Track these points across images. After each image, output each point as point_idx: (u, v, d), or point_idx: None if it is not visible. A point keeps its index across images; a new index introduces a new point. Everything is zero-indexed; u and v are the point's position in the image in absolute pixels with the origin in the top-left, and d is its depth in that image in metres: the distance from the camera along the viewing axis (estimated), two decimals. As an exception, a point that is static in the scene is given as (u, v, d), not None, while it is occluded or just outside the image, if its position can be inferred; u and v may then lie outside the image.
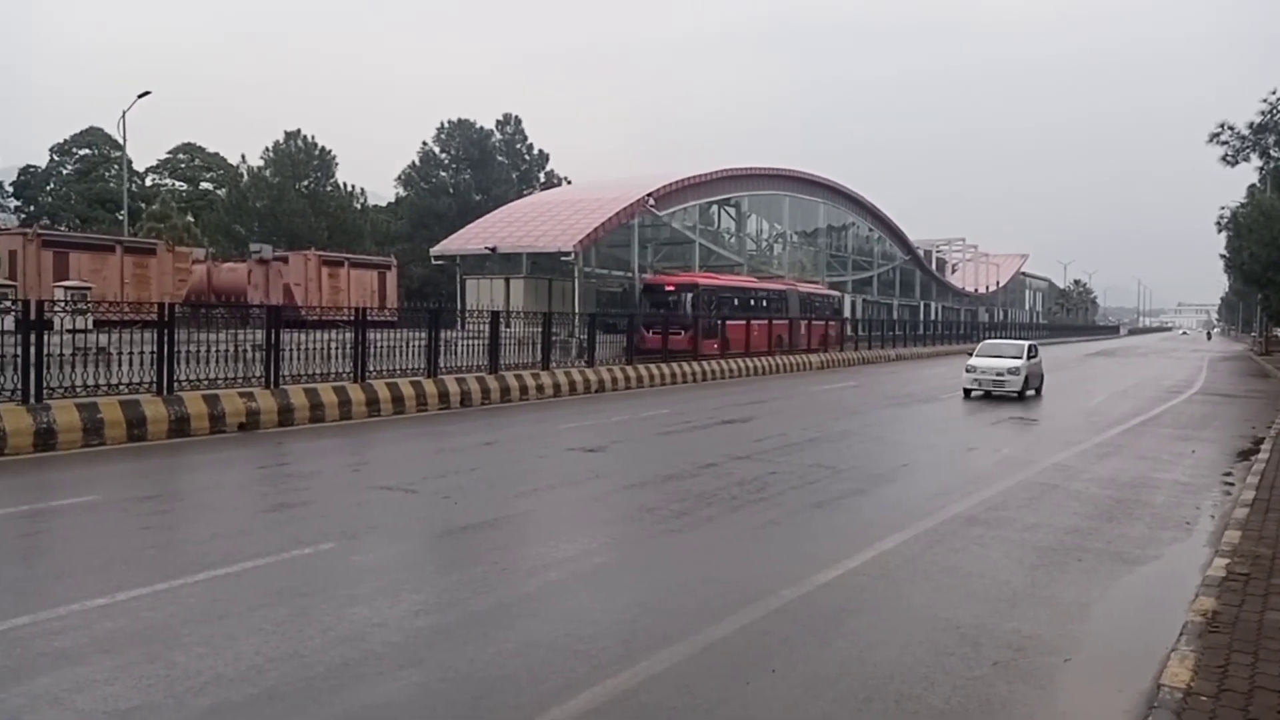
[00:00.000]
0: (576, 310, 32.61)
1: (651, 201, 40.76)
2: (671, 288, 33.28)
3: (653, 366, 25.19)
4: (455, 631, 5.60)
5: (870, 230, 63.52)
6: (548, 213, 41.67)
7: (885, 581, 6.91)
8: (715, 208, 49.04)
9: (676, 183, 43.18)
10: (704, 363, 28.36)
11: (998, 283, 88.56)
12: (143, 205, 59.99)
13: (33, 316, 12.20)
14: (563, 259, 37.44)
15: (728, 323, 31.84)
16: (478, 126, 71.69)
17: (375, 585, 6.44)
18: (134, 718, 4.30)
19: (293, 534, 7.89)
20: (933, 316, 68.26)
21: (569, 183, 67.51)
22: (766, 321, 34.83)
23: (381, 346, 17.67)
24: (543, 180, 72.80)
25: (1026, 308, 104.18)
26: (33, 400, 11.88)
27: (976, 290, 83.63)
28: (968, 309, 79.54)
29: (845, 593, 6.61)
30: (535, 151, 74.88)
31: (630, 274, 40.30)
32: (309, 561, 7.04)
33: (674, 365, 26.24)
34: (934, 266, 74.69)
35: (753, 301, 36.20)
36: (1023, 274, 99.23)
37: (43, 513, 8.64)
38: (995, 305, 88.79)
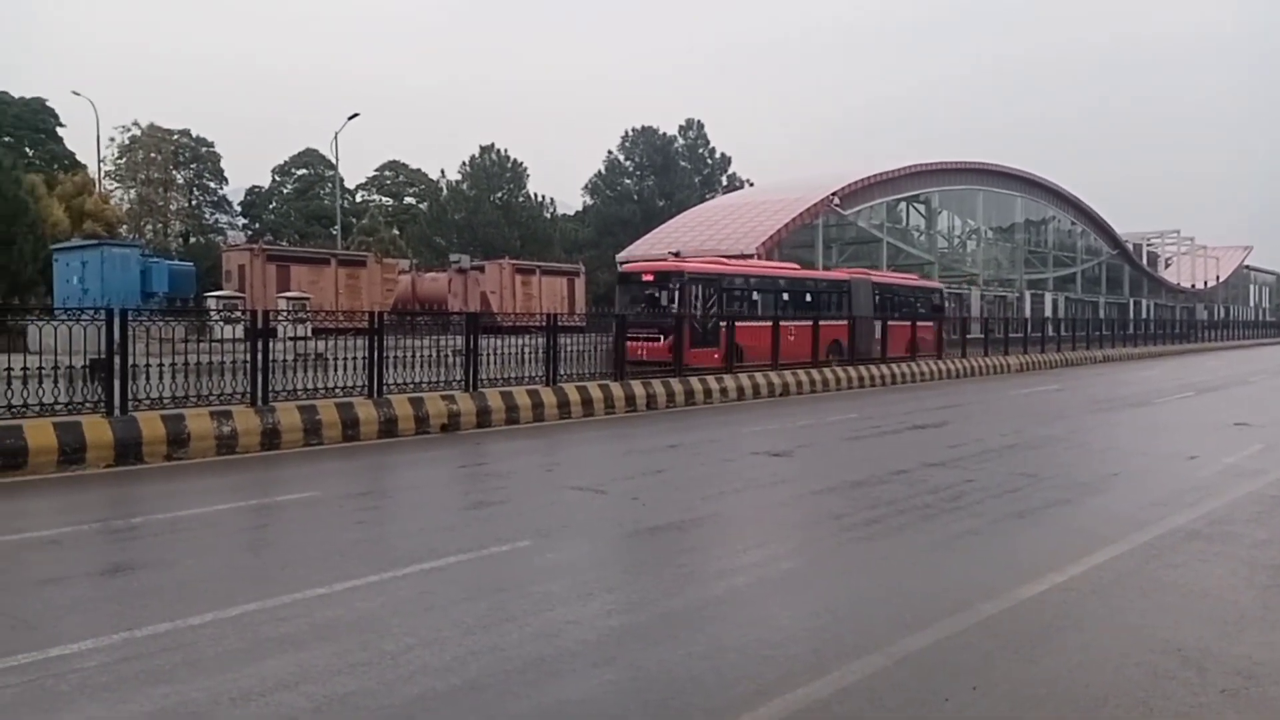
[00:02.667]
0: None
1: (836, 200, 40.09)
2: (650, 277, 24.32)
3: (839, 369, 24.71)
4: (646, 632, 5.67)
5: (1072, 224, 59.96)
6: (730, 216, 41.70)
7: (1096, 597, 6.49)
8: (904, 205, 47.65)
9: (862, 180, 42.27)
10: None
11: (1217, 277, 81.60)
12: (353, 220, 64.30)
13: (260, 325, 13.29)
14: (746, 261, 37.26)
15: (740, 324, 23.26)
16: (661, 133, 72.60)
17: (568, 583, 6.62)
18: (350, 702, 4.59)
19: (491, 531, 8.23)
20: (1144, 315, 63.66)
21: (751, 185, 67.25)
22: (810, 323, 25.55)
23: (571, 350, 18.18)
24: (725, 184, 72.90)
25: (1251, 304, 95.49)
26: (260, 403, 12.92)
27: (1193, 286, 77.37)
28: (1183, 306, 73.69)
29: (1052, 608, 6.25)
30: (718, 155, 75.11)
31: (815, 276, 39.68)
32: (506, 558, 7.31)
33: (861, 368, 25.62)
34: (1144, 261, 69.67)
35: (788, 296, 27.36)
36: (1246, 267, 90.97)
37: (269, 507, 9.38)
38: (1215, 302, 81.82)
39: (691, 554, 7.72)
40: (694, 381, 19.92)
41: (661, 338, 21.95)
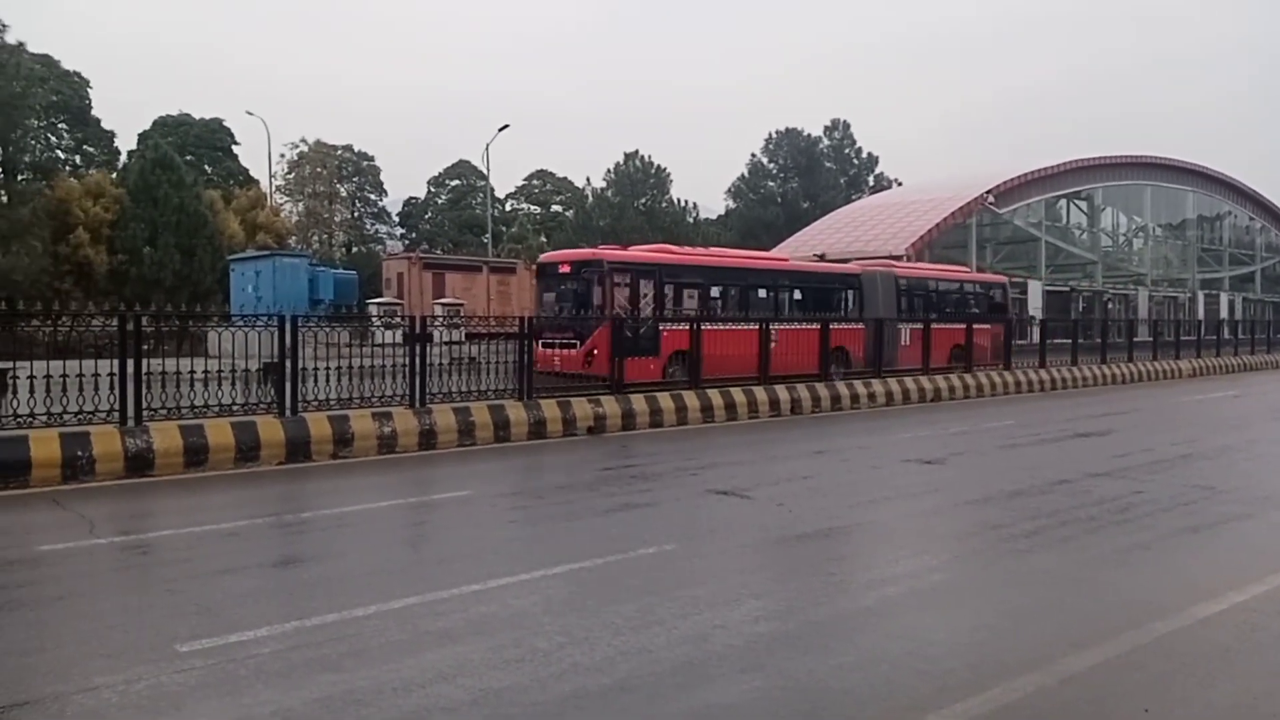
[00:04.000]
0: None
1: (991, 198, 38.70)
2: (567, 268, 19.94)
3: (993, 374, 23.78)
4: (794, 640, 5.60)
5: (1250, 219, 55.95)
6: (877, 216, 40.85)
7: (1284, 621, 6.02)
8: (1064, 202, 45.54)
9: (1018, 177, 40.68)
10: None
11: None
12: (503, 228, 66.20)
13: (417, 331, 13.84)
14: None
15: (696, 328, 17.82)
16: (805, 134, 71.79)
17: (715, 588, 6.60)
18: (505, 697, 4.71)
19: (638, 533, 8.30)
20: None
21: (899, 184, 65.67)
22: (795, 328, 20.46)
23: (718, 355, 18.16)
24: (872, 184, 71.47)
25: None
26: (417, 404, 13.45)
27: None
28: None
29: (1231, 629, 5.83)
30: (864, 155, 73.72)
31: (967, 277, 38.31)
32: (653, 561, 7.36)
33: (1019, 373, 24.56)
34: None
35: (767, 294, 22.17)
36: None
37: (426, 505, 9.74)
38: None
39: (840, 562, 7.58)
40: (839, 386, 19.54)
41: (578, 343, 17.93)
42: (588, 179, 73.98)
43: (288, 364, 12.37)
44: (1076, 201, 46.20)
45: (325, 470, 11.70)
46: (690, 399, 16.54)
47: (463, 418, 13.54)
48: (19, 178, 45.37)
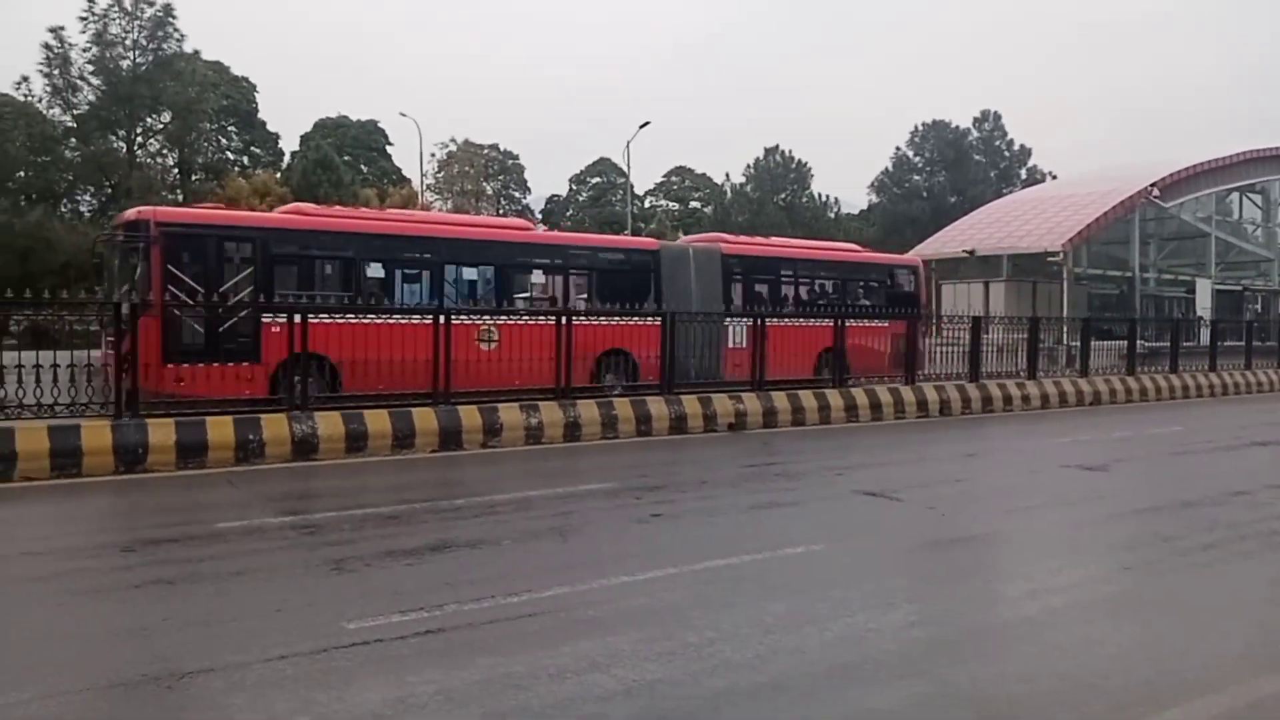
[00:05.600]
0: (1065, 315, 30.21)
1: (1155, 192, 36.59)
2: (121, 235, 14.02)
3: (1159, 377, 22.44)
4: (953, 647, 5.42)
5: None
6: (1030, 211, 39.21)
7: None
8: (1235, 195, 42.66)
9: (1185, 170, 38.33)
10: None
11: None
12: (642, 225, 66.62)
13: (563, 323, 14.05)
14: (1048, 259, 34.97)
15: (327, 321, 13.04)
16: (953, 126, 69.70)
17: (867, 590, 6.45)
18: (658, 690, 4.72)
19: (784, 532, 8.20)
20: None
21: (1053, 178, 62.85)
22: (519, 323, 15.16)
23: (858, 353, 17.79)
24: (1024, 177, 68.76)
25: None
26: (562, 398, 13.69)
27: None
28: None
29: None
30: (1016, 147, 71.04)
31: (1129, 273, 36.51)
32: (801, 560, 7.26)
33: (1187, 376, 23.11)
34: None
35: (478, 275, 16.38)
36: None
37: (573, 495, 9.88)
38: None
39: (999, 569, 7.30)
40: (991, 387, 18.82)
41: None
42: (727, 175, 73.69)
43: (441, 355, 12.76)
44: (1250, 195, 43.16)
45: (475, 459, 12.04)
46: (835, 398, 16.25)
47: (605, 411, 13.70)
48: (193, 178, 48.58)
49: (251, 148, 58.55)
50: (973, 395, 18.30)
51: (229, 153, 56.80)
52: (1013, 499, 9.92)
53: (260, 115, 58.20)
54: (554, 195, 79.99)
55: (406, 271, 15.71)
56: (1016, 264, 37.91)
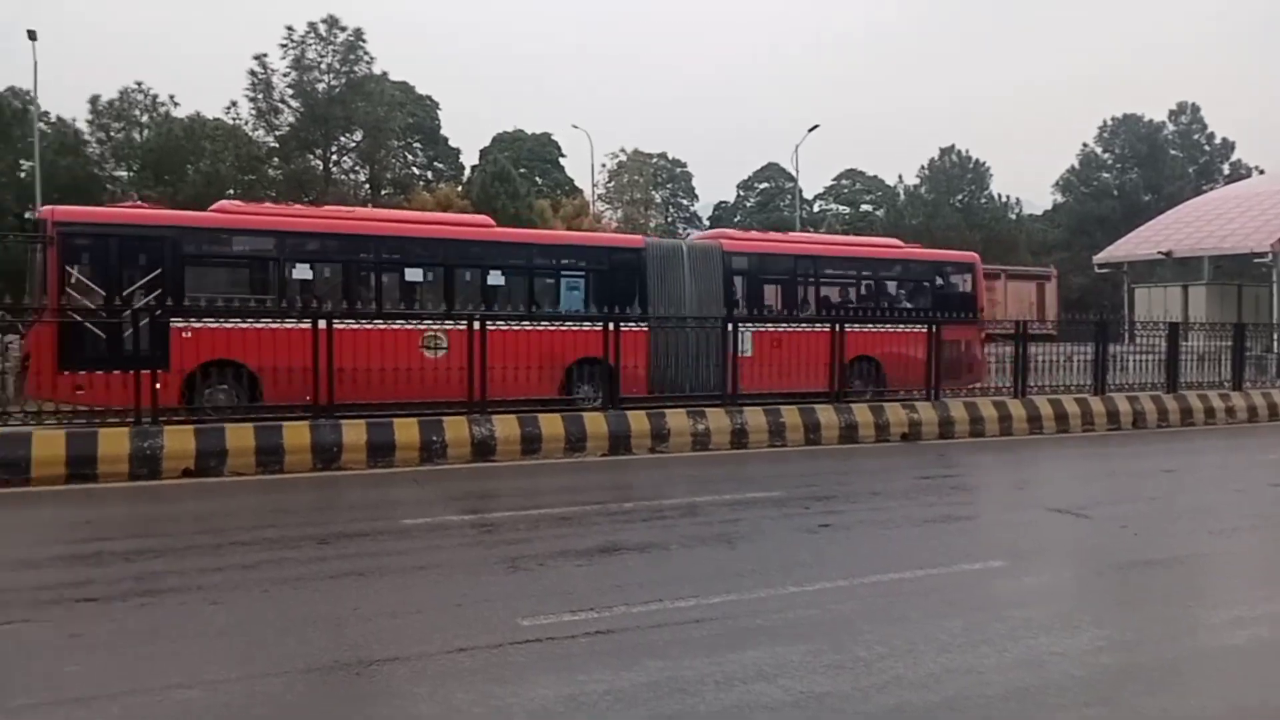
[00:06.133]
0: (1276, 321, 27.82)
1: (1384, 186, 33.24)
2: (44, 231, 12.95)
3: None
4: (1145, 675, 5.08)
5: None
6: (1234, 208, 36.32)
7: None
8: None
9: None
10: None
11: None
12: (810, 229, 65.83)
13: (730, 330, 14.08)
14: (1256, 261, 32.27)
15: (242, 326, 12.65)
16: (1146, 120, 65.40)
17: (1049, 611, 6.14)
18: (826, 702, 4.65)
19: (959, 547, 7.92)
20: None
21: (1260, 172, 57.94)
22: (468, 329, 12.45)
23: (1041, 361, 16.95)
24: (1226, 173, 63.78)
25: None
26: (728, 404, 13.69)
27: None
28: None
29: None
30: (1217, 140, 65.89)
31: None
32: (978, 577, 6.98)
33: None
34: None
35: (433, 275, 15.10)
36: None
37: (740, 503, 9.87)
38: None
39: (1197, 595, 6.80)
40: (1191, 399, 17.53)
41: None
42: (899, 176, 71.80)
43: (610, 361, 13.03)
44: None
45: (643, 464, 12.20)
46: (1017, 408, 15.55)
47: (773, 418, 13.61)
48: (382, 192, 51.47)
49: (435, 163, 61.49)
50: (1170, 407, 17.11)
51: (414, 168, 59.84)
52: (1214, 518, 9.21)
53: (443, 132, 61.05)
54: (721, 202, 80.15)
55: (343, 273, 14.71)
56: (1219, 266, 35.24)
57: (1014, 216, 63.40)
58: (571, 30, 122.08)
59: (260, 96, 46.88)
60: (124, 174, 46.20)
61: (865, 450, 13.68)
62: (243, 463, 10.58)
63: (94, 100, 46.05)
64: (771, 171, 76.58)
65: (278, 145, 47.77)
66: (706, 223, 78.15)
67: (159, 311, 11.84)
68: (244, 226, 14.18)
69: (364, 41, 47.26)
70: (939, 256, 20.45)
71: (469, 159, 62.01)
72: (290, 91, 46.89)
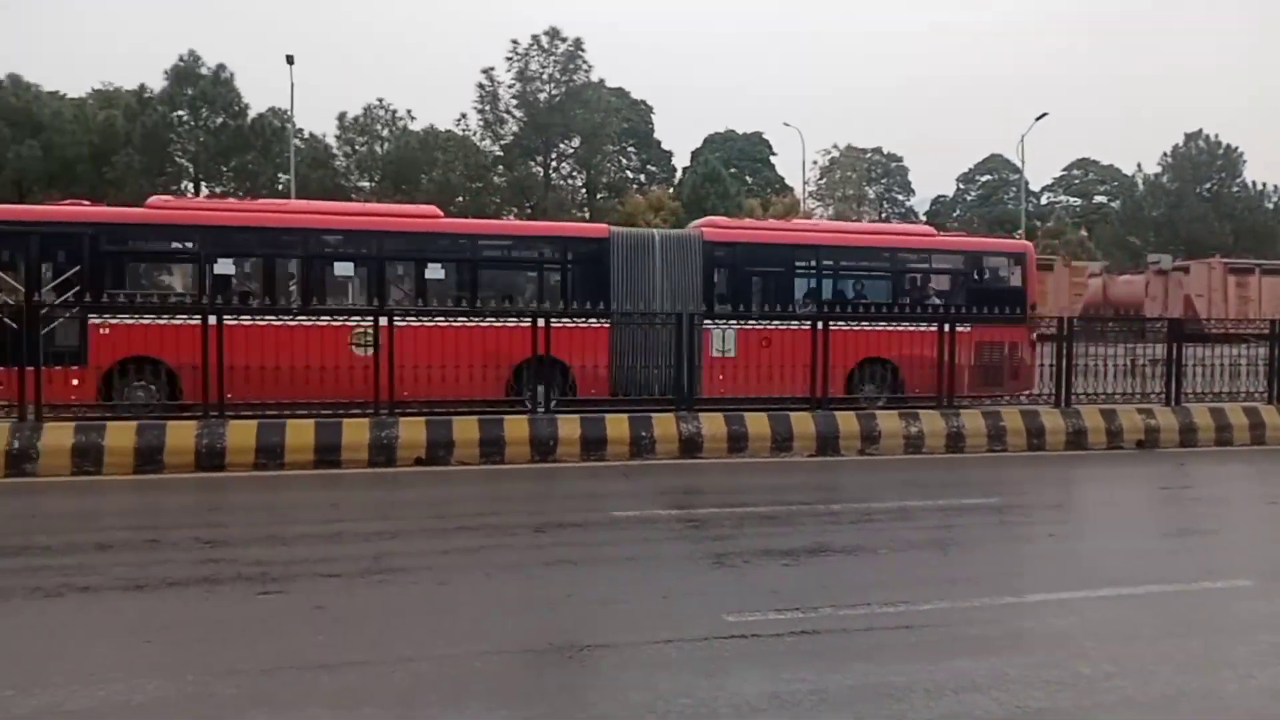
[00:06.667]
0: None
1: None
2: None
3: None
4: None
5: None
6: None
7: None
8: None
9: None
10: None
11: None
12: (1037, 223, 62.35)
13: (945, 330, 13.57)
14: None
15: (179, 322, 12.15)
16: None
17: (1307, 638, 5.58)
18: (1044, 718, 4.45)
19: (1200, 563, 7.32)
20: None
21: None
22: (413, 324, 12.41)
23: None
24: None
25: None
26: (944, 406, 13.22)
27: None
28: None
29: None
30: None
31: None
32: (1221, 596, 6.44)
33: None
34: None
35: (358, 269, 14.36)
36: None
37: (954, 509, 9.52)
38: None
39: None
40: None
41: None
42: (1138, 165, 66.64)
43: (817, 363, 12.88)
44: None
45: (851, 465, 11.99)
46: (1272, 415, 14.12)
47: (992, 422, 13.01)
48: (598, 196, 53.11)
49: (648, 166, 62.82)
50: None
51: (628, 171, 61.35)
52: None
53: (655, 135, 62.24)
54: (939, 196, 77.32)
55: (266, 268, 14.26)
56: None
57: (1270, 206, 57.50)
58: (780, 21, 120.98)
59: (487, 108, 49.55)
60: (366, 184, 50.08)
61: (1094, 458, 12.80)
62: (469, 454, 11.21)
63: (341, 117, 50.45)
64: (995, 163, 73.12)
65: (502, 154, 50.28)
66: (922, 218, 75.61)
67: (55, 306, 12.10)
68: (163, 221, 14.03)
69: (583, 51, 48.98)
70: (979, 246, 18.23)
71: (680, 161, 62.95)
72: (514, 102, 49.25)
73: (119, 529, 8.25)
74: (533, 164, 50.71)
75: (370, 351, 11.66)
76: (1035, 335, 15.46)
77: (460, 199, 46.42)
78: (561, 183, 52.18)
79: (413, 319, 12.57)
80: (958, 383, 13.67)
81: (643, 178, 61.61)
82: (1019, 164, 55.03)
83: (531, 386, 12.52)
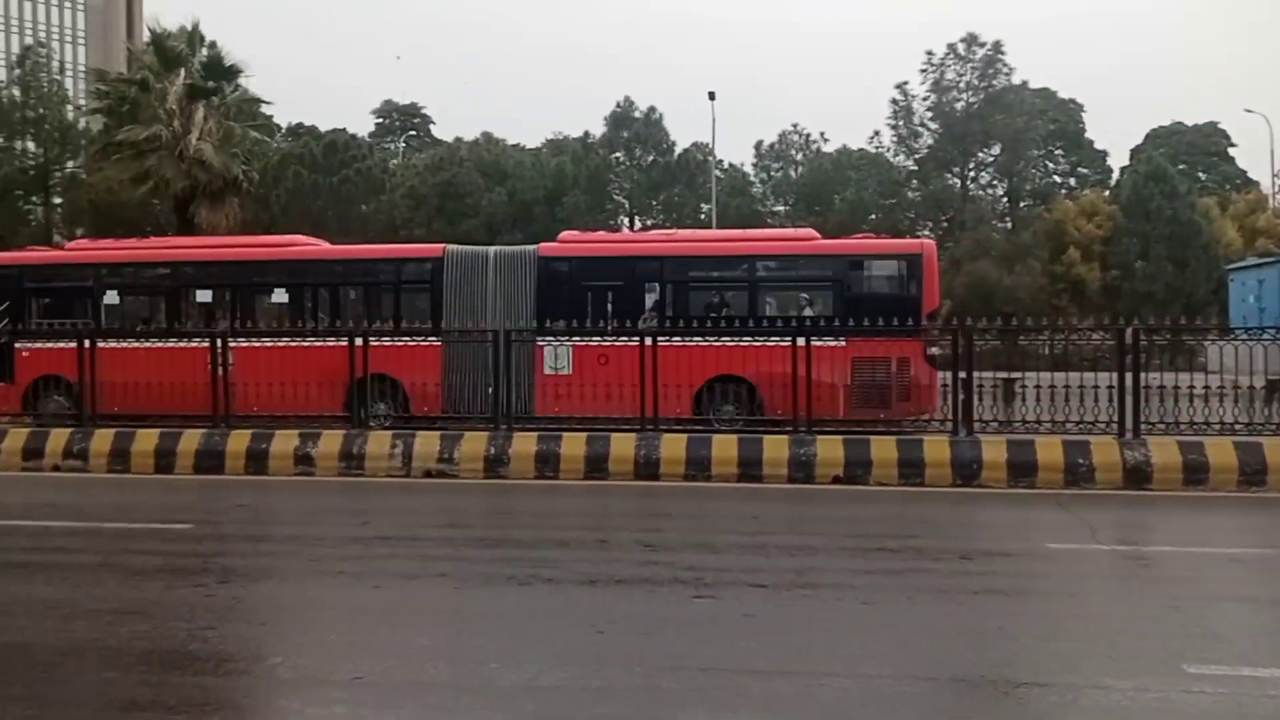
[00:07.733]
0: None
1: None
2: None
3: None
4: None
5: None
6: None
7: None
8: None
9: None
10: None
11: None
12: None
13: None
14: None
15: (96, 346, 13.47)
16: None
17: None
18: None
19: None
20: None
21: None
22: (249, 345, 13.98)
23: None
24: None
25: None
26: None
27: None
28: None
29: None
30: None
31: None
32: None
33: None
34: None
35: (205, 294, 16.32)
36: None
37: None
38: None
39: None
40: None
41: None
42: None
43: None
44: None
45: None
46: None
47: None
48: (1021, 204, 50.07)
49: (1079, 168, 57.91)
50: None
51: (1056, 176, 57.03)
52: None
53: (1087, 135, 57.24)
54: None
55: (142, 296, 17.35)
56: None
57: None
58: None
59: (901, 123, 48.74)
60: (781, 209, 51.51)
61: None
62: (886, 473, 11.12)
63: (757, 145, 52.55)
64: None
65: (916, 168, 49.21)
66: None
67: None
68: (69, 261, 17.11)
69: (1003, 54, 46.47)
70: (861, 249, 15.73)
71: (1118, 160, 57.26)
72: (929, 114, 48.01)
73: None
74: (948, 176, 49.00)
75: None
76: (933, 350, 13.48)
77: (873, 216, 46.08)
78: (980, 193, 49.83)
79: (254, 340, 14.23)
80: (828, 404, 12.45)
81: (1072, 181, 56.77)
82: None
83: (359, 403, 12.63)
